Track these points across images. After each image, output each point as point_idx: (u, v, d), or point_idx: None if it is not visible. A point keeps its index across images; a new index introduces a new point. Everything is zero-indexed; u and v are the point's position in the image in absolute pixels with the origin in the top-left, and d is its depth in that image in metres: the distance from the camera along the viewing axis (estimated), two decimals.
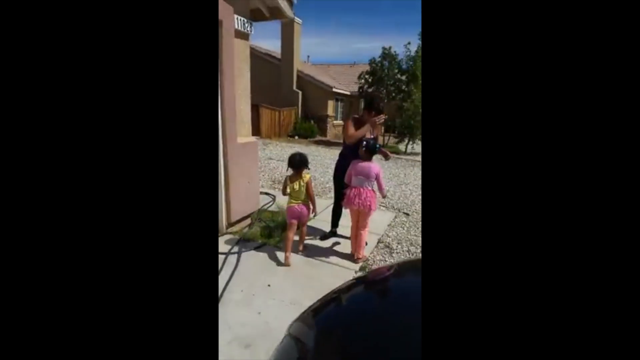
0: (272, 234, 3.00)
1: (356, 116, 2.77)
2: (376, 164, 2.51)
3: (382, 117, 2.62)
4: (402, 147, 10.82)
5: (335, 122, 14.67)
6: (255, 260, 2.57)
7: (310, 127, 12.67)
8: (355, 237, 2.61)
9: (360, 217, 2.56)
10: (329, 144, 11.63)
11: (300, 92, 13.27)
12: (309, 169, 2.65)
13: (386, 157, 2.85)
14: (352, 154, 2.61)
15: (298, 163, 2.54)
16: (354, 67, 18.51)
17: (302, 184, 2.57)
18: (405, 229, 3.57)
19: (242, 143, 3.01)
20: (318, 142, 11.71)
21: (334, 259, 2.65)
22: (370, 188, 2.50)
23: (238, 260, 2.51)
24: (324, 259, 2.65)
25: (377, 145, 2.52)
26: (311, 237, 3.00)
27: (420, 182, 5.82)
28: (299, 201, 2.59)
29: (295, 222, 2.60)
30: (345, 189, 2.61)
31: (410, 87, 10.42)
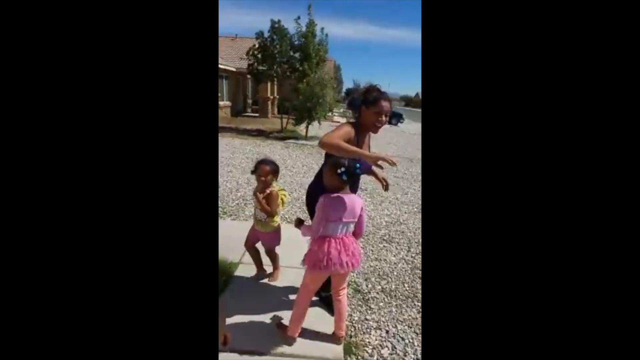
0: None
1: (353, 121, 1.75)
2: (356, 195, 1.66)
3: (389, 158, 1.46)
4: (301, 131, 10.31)
5: (221, 103, 12.91)
6: None
7: None
8: (332, 304, 1.77)
9: (341, 279, 1.69)
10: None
11: None
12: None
13: (386, 188, 1.89)
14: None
15: (275, 167, 2.10)
16: (236, 41, 16.66)
17: (285, 197, 2.22)
18: (365, 254, 2.72)
19: None
20: None
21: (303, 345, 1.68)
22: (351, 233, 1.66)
23: None
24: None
25: (358, 167, 1.52)
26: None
27: None
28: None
29: None
30: (311, 233, 1.61)
31: (304, 66, 9.83)
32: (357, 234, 1.66)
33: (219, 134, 8.89)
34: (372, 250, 2.82)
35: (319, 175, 1.79)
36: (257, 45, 10.11)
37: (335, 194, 1.55)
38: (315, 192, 1.69)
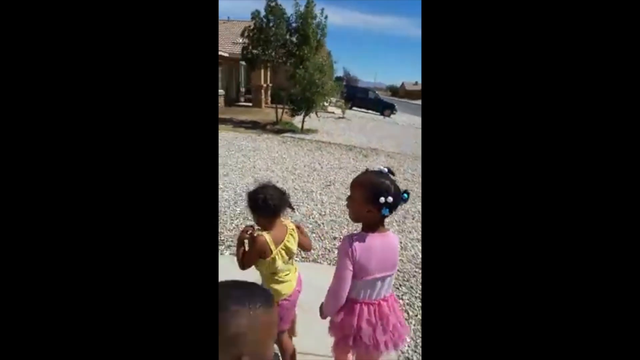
0: None
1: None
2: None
3: None
4: (297, 122, 9.74)
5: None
6: None
7: None
8: None
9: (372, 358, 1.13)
10: None
11: None
12: (293, 209, 1.37)
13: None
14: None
15: (277, 202, 1.22)
16: (228, 24, 15.72)
17: (295, 240, 1.30)
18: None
19: None
20: None
21: None
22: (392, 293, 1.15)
23: None
24: None
25: (407, 194, 1.02)
26: None
27: (344, 177, 4.94)
28: (295, 277, 1.33)
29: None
30: (333, 307, 1.07)
31: (302, 51, 9.20)
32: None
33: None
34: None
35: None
36: (252, 26, 9.40)
37: (368, 234, 1.01)
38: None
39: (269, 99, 14.80)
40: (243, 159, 5.31)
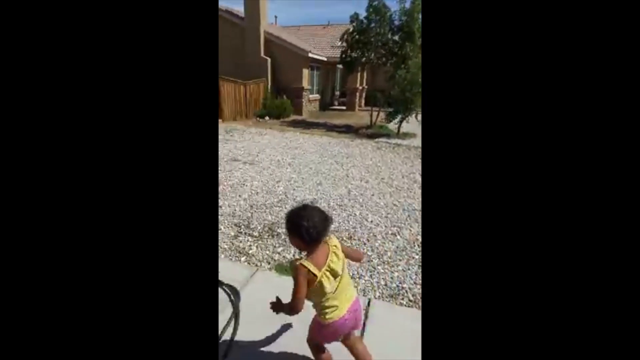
0: None
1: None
2: None
3: None
4: (392, 126, 9.07)
5: (311, 96, 12.53)
6: None
7: (283, 104, 10.48)
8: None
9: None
10: (306, 124, 9.64)
11: (269, 60, 10.86)
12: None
13: None
14: None
15: (320, 228, 1.09)
16: (329, 28, 16.04)
17: (339, 258, 1.15)
18: None
19: None
20: (294, 123, 9.67)
21: None
22: None
23: None
24: None
25: None
26: None
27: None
28: (348, 299, 1.18)
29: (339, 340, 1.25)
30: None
31: (405, 50, 8.51)
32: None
33: (308, 130, 8.46)
34: None
35: None
36: (351, 30, 9.19)
37: None
38: None
39: (363, 102, 14.50)
40: (336, 167, 5.06)
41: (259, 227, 2.92)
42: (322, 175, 4.54)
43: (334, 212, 3.28)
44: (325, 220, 1.11)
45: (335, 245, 1.16)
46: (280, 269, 2.32)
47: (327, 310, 1.13)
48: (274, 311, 1.20)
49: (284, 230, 2.86)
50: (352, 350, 1.28)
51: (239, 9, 10.93)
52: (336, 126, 9.56)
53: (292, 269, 1.10)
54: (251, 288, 2.02)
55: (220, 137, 6.85)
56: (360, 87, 14.13)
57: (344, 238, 2.80)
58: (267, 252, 2.55)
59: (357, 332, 1.36)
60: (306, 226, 1.06)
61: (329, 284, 1.10)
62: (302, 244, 1.10)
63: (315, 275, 1.06)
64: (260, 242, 2.69)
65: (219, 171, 4.48)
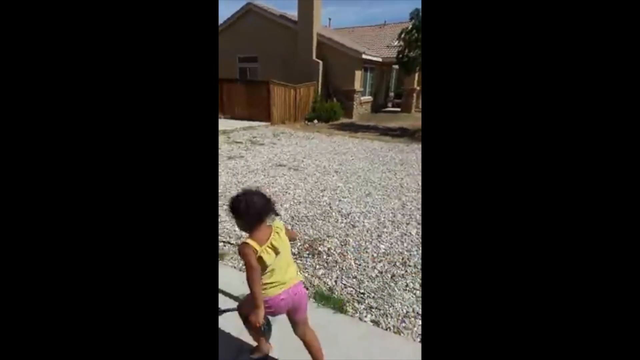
0: None
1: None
2: None
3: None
4: None
5: (363, 98, 12.06)
6: None
7: (332, 107, 10.19)
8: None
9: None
10: (355, 127, 9.21)
11: (320, 63, 10.69)
12: (277, 214, 1.25)
13: None
14: None
15: (260, 210, 1.17)
16: (384, 28, 15.39)
17: (281, 238, 1.20)
18: None
19: None
20: (343, 126, 9.31)
21: None
22: None
23: None
24: None
25: None
26: None
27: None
28: (287, 280, 1.22)
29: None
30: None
31: None
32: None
33: (357, 133, 8.04)
34: None
35: None
36: (410, 27, 8.54)
37: None
38: None
39: (420, 103, 13.58)
40: (388, 175, 4.56)
41: (299, 243, 2.60)
42: (371, 185, 4.08)
43: (384, 230, 2.83)
44: (265, 202, 1.18)
45: (279, 227, 1.22)
46: (321, 298, 1.94)
47: (265, 286, 1.17)
48: (250, 322, 1.18)
49: (325, 248, 2.57)
50: (303, 340, 1.33)
51: (293, 13, 10.96)
52: (390, 129, 8.95)
53: (238, 252, 1.16)
54: (283, 319, 1.67)
55: (267, 140, 6.78)
56: (418, 88, 13.28)
57: (397, 264, 2.34)
58: (306, 274, 2.21)
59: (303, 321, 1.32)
60: (246, 208, 1.14)
61: (269, 259, 1.15)
62: (245, 226, 1.18)
63: (256, 250, 1.12)
64: (298, 261, 2.36)
65: (264, 176, 4.30)
